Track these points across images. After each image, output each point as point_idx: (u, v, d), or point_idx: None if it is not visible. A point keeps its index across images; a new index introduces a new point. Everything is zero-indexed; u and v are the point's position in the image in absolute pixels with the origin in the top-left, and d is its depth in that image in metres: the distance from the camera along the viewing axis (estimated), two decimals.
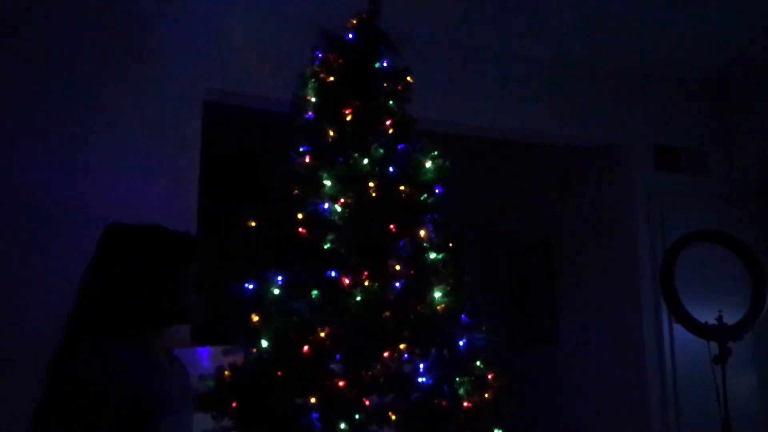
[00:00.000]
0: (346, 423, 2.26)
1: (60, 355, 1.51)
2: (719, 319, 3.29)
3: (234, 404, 2.33)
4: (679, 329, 3.73)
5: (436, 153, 2.56)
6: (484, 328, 2.46)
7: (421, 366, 2.31)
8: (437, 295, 2.42)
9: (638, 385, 3.78)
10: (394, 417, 2.27)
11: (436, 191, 2.56)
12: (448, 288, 2.45)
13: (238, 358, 2.44)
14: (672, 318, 3.67)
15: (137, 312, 1.57)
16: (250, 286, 2.47)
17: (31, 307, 2.79)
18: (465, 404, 2.31)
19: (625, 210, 3.94)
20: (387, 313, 2.35)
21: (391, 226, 2.42)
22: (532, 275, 4.49)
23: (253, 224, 2.53)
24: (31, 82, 2.96)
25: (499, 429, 2.43)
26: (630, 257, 3.88)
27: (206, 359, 2.88)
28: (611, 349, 3.95)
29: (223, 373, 2.38)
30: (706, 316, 3.32)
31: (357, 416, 2.27)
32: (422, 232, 2.45)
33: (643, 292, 3.81)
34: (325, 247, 2.45)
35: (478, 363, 2.44)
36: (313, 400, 2.26)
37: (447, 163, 2.55)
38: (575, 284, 4.21)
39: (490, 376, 2.45)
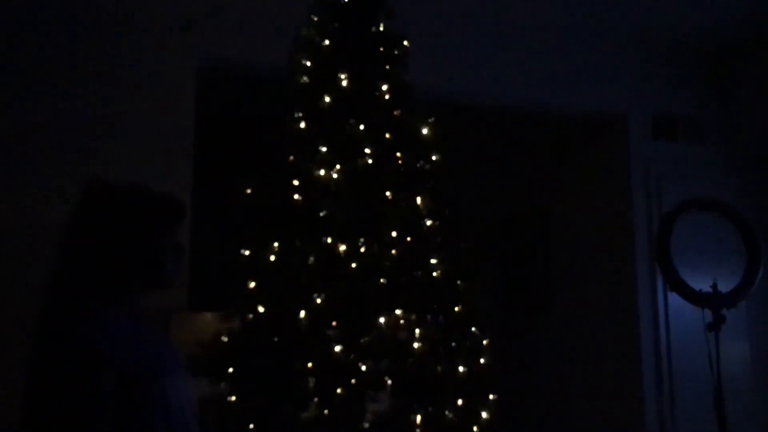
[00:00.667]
0: (342, 388, 2.28)
1: (55, 320, 1.50)
2: (714, 286, 3.31)
3: (231, 369, 2.35)
4: (673, 297, 3.75)
5: (432, 119, 2.54)
6: (479, 294, 2.47)
7: (417, 331, 2.32)
8: (433, 261, 2.42)
9: (632, 352, 3.81)
10: (389, 382, 2.29)
11: (433, 158, 2.55)
12: (444, 254, 2.45)
13: (235, 324, 2.45)
14: (667, 286, 3.68)
15: (119, 275, 1.55)
16: (246, 252, 2.47)
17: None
18: (460, 369, 2.33)
19: (621, 178, 3.93)
20: (383, 280, 2.35)
21: (387, 193, 2.42)
22: (527, 243, 4.50)
23: (249, 191, 2.52)
24: (21, 51, 2.93)
25: (493, 394, 2.45)
26: (626, 225, 3.89)
27: (203, 325, 2.89)
28: (606, 316, 3.98)
29: (220, 338, 2.39)
30: (701, 283, 3.34)
31: (353, 381, 2.28)
32: (418, 199, 2.44)
33: (639, 260, 3.82)
34: (321, 213, 2.45)
35: (473, 328, 2.46)
36: (309, 365, 2.28)
37: (444, 129, 2.53)
38: (570, 252, 4.22)
39: (485, 342, 2.47)
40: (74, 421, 1.39)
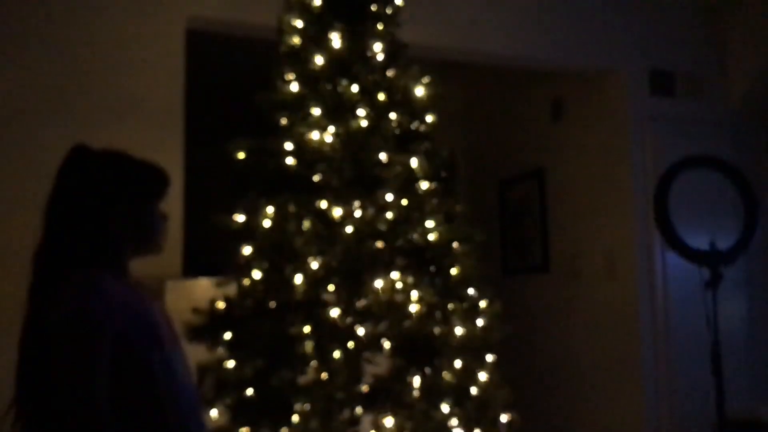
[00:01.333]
0: (340, 351, 2.27)
1: (47, 286, 1.48)
2: (712, 244, 3.30)
3: (227, 335, 2.34)
4: (671, 255, 3.75)
5: (427, 79, 2.49)
6: (476, 256, 2.46)
7: (414, 294, 2.31)
8: (430, 224, 2.40)
9: (629, 311, 3.82)
10: (387, 344, 2.29)
11: (428, 119, 2.51)
12: (441, 217, 2.43)
13: (231, 290, 2.43)
14: (665, 244, 3.67)
15: (112, 244, 1.54)
16: (241, 218, 2.44)
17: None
18: (457, 331, 2.33)
19: (619, 135, 3.89)
20: (379, 243, 2.33)
21: (382, 155, 2.38)
22: (524, 203, 4.48)
23: (241, 156, 2.49)
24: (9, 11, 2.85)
25: (491, 355, 2.46)
26: (623, 183, 3.86)
27: (199, 291, 2.87)
28: (603, 275, 3.97)
29: (216, 304, 2.38)
30: (699, 241, 3.33)
31: (350, 344, 2.28)
32: (414, 161, 2.41)
33: (636, 219, 3.80)
34: (315, 178, 2.42)
35: (470, 290, 2.45)
36: (306, 329, 2.27)
37: (438, 89, 2.49)
38: (568, 211, 4.20)
39: (482, 304, 2.47)
40: (70, 385, 1.38)
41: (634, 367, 3.77)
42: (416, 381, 2.22)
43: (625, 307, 3.84)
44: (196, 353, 2.25)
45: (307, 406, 2.27)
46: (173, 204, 2.88)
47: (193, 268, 2.96)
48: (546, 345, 4.29)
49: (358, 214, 2.33)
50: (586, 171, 4.10)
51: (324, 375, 2.31)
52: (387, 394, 2.19)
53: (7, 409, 1.47)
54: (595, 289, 4.03)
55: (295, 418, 2.23)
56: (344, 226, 2.32)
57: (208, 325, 2.37)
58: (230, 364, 2.34)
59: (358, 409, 2.20)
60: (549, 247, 4.30)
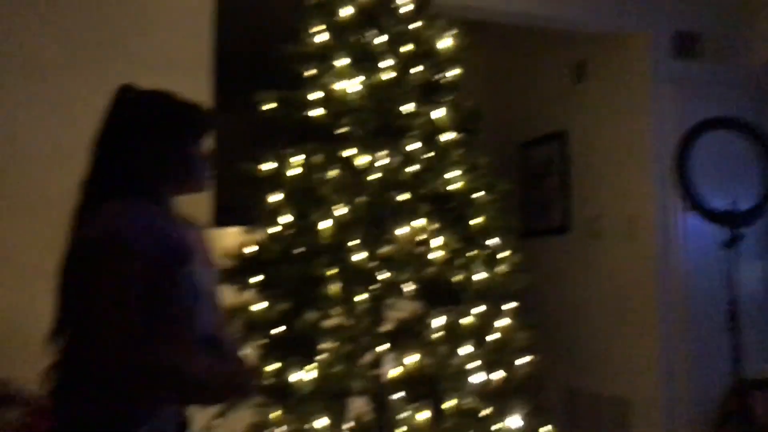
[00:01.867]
0: (364, 293, 2.35)
1: (89, 214, 1.56)
2: (732, 204, 3.33)
3: (257, 278, 2.43)
4: (690, 217, 3.78)
5: (452, 32, 2.53)
6: (498, 207, 2.52)
7: (436, 241, 2.38)
8: (453, 173, 2.46)
9: (648, 271, 3.86)
10: (408, 289, 2.36)
11: (452, 71, 2.56)
12: (464, 167, 2.49)
13: (260, 236, 2.52)
14: (685, 205, 3.70)
15: (152, 177, 1.60)
16: (269, 167, 2.52)
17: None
18: (478, 278, 2.39)
19: (641, 97, 3.90)
20: (403, 191, 2.40)
21: (408, 106, 2.44)
22: (546, 165, 4.51)
23: (269, 107, 2.56)
24: None
25: (511, 303, 2.53)
26: (645, 145, 3.88)
27: (229, 240, 2.97)
28: (623, 237, 4.01)
29: (246, 249, 2.47)
30: (719, 202, 3.37)
31: (374, 288, 2.36)
32: (438, 112, 2.46)
33: (657, 180, 3.83)
34: (342, 128, 2.48)
35: (491, 240, 2.51)
36: (330, 273, 2.35)
37: (464, 42, 2.53)
38: (589, 173, 4.23)
39: (504, 253, 2.53)
40: (104, 307, 1.45)
41: (652, 327, 3.82)
42: (437, 323, 2.29)
43: (643, 267, 3.88)
44: (226, 296, 2.34)
45: (332, 346, 2.36)
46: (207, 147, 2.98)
47: (223, 218, 3.05)
48: (564, 305, 4.36)
49: (382, 162, 2.39)
50: (607, 133, 4.12)
51: (348, 318, 2.40)
52: (409, 335, 2.27)
53: (50, 332, 1.55)
54: (614, 250, 4.07)
55: (321, 356, 2.32)
56: (369, 174, 2.39)
57: (238, 269, 2.46)
58: (259, 306, 2.43)
59: (381, 348, 2.28)
60: (570, 208, 4.34)
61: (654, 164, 3.85)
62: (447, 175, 2.44)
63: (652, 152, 3.86)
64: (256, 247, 2.46)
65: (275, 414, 2.31)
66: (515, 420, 2.34)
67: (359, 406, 2.35)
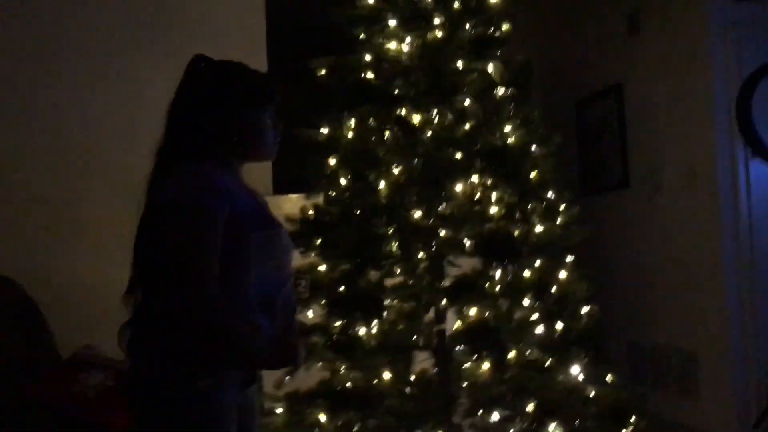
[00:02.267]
0: (423, 251, 2.40)
1: (163, 179, 1.64)
2: None
3: (318, 240, 2.50)
4: (755, 166, 3.68)
5: None
6: (552, 159, 2.52)
7: (494, 195, 2.40)
8: (507, 128, 2.47)
9: (711, 224, 3.78)
10: (468, 244, 2.39)
11: (503, 26, 2.55)
12: (518, 121, 2.49)
13: (319, 200, 2.59)
14: (748, 152, 3.60)
15: (223, 144, 1.66)
16: (325, 131, 2.57)
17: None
18: (536, 229, 2.41)
19: (700, 44, 3.79)
20: (458, 148, 2.42)
21: (459, 63, 2.45)
22: (602, 120, 4.44)
23: (322, 72, 2.60)
24: None
25: (570, 256, 2.54)
26: (705, 92, 3.77)
27: (289, 206, 3.05)
28: (683, 190, 3.94)
29: (307, 212, 2.54)
30: None
31: (433, 245, 2.41)
32: (490, 67, 2.46)
33: (718, 129, 3.72)
34: (394, 89, 2.51)
35: (549, 193, 2.51)
36: (390, 231, 2.40)
37: None
38: (647, 126, 4.15)
39: (560, 207, 2.54)
40: (184, 269, 1.53)
41: (718, 279, 3.75)
42: (497, 276, 2.32)
43: (707, 219, 3.80)
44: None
45: (395, 302, 2.43)
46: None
47: (283, 185, 3.13)
48: (626, 260, 4.31)
49: (437, 120, 2.42)
50: (664, 84, 4.02)
51: (408, 276, 2.45)
52: (470, 289, 2.31)
53: (126, 291, 1.65)
54: (675, 204, 4.00)
55: (385, 314, 2.39)
56: (424, 133, 2.42)
57: (299, 233, 2.53)
58: (322, 267, 2.51)
59: (443, 303, 2.33)
60: (628, 163, 4.27)
61: (714, 113, 3.74)
62: (501, 130, 2.45)
63: (712, 100, 3.75)
64: (315, 211, 2.53)
65: (342, 369, 2.39)
66: (577, 370, 2.37)
67: (423, 359, 2.42)
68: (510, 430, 2.32)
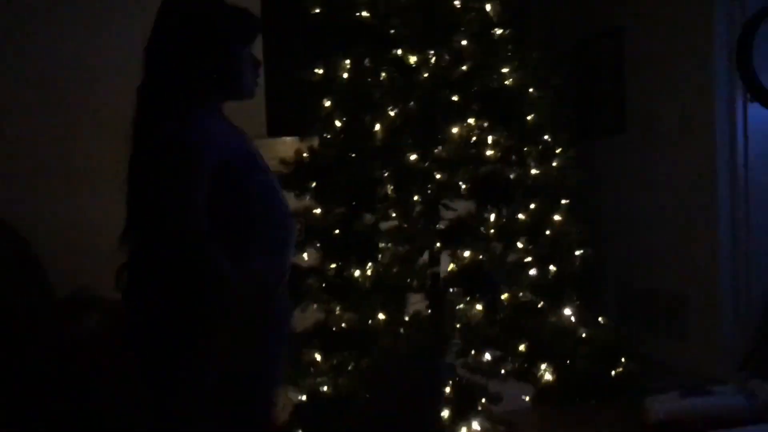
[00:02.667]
0: (418, 194, 2.40)
1: (148, 122, 1.62)
2: None
3: (313, 183, 2.49)
4: (754, 111, 3.65)
5: None
6: (550, 101, 2.49)
7: (490, 138, 2.38)
8: (505, 70, 2.43)
9: (708, 166, 3.77)
10: (464, 187, 2.39)
11: None
12: (516, 63, 2.45)
13: (315, 143, 2.56)
14: (747, 95, 3.57)
15: (202, 82, 1.62)
16: (320, 72, 2.53)
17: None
18: (532, 172, 2.40)
19: None
20: (455, 89, 2.39)
21: (456, 2, 2.39)
22: (600, 64, 4.39)
23: (316, 11, 2.54)
24: None
25: (565, 199, 2.53)
26: (705, 36, 3.71)
27: (283, 149, 3.03)
28: (680, 135, 3.91)
29: (302, 155, 2.52)
30: None
31: (428, 188, 2.40)
32: (488, 6, 2.41)
33: (718, 72, 3.68)
34: (390, 28, 2.46)
35: (545, 136, 2.50)
36: (385, 174, 2.39)
37: None
38: (646, 70, 4.10)
39: (557, 151, 2.52)
40: (173, 209, 1.53)
41: (711, 226, 3.77)
42: (492, 219, 2.33)
43: (703, 163, 3.79)
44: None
45: (390, 245, 2.44)
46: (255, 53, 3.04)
47: (277, 127, 3.10)
48: (620, 204, 4.33)
49: (433, 61, 2.38)
50: (665, 27, 3.95)
51: (403, 221, 2.46)
52: (464, 232, 2.31)
53: (121, 235, 1.65)
54: (671, 150, 3.99)
55: (379, 257, 2.40)
56: (420, 74, 2.38)
57: (294, 176, 2.52)
58: (317, 210, 2.51)
59: (437, 245, 2.34)
60: (625, 107, 4.24)
61: (714, 56, 3.69)
62: (499, 71, 2.41)
63: (712, 44, 3.70)
64: (310, 153, 2.51)
65: (337, 310, 2.42)
66: (569, 312, 2.39)
67: (416, 301, 2.44)
68: (502, 370, 2.36)
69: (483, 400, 2.30)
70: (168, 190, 1.53)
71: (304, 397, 2.40)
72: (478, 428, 2.30)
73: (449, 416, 2.27)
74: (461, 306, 2.30)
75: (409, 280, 2.43)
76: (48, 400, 2.22)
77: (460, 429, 2.30)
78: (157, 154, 1.54)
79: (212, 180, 1.56)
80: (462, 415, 2.29)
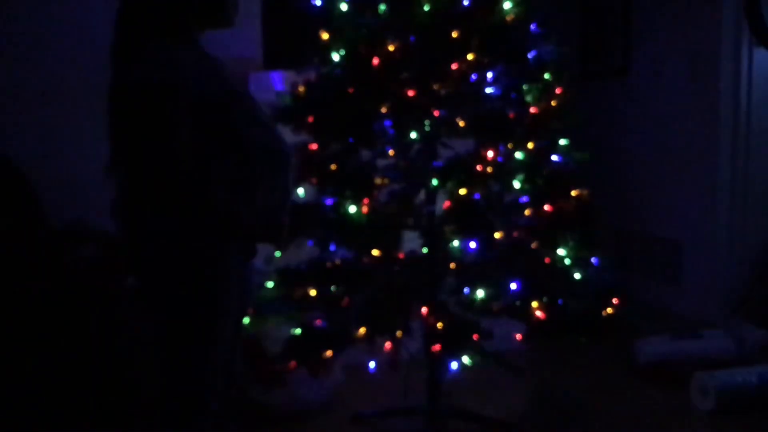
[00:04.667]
0: (416, 131, 2.37)
1: (129, 59, 1.59)
2: None
3: (311, 118, 2.46)
4: (760, 55, 3.60)
5: None
6: (552, 38, 2.44)
7: (489, 75, 2.35)
8: (507, 5, 2.37)
9: (711, 111, 3.73)
10: (462, 124, 2.36)
11: None
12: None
13: (312, 76, 2.52)
14: (754, 40, 3.51)
15: (178, 11, 1.61)
16: (318, 3, 2.47)
17: None
18: (531, 110, 2.37)
19: None
20: (455, 25, 2.34)
21: None
22: (606, 2, 4.30)
23: None
24: None
25: (564, 139, 2.51)
26: None
27: (280, 83, 2.99)
28: (684, 78, 3.86)
29: (298, 89, 2.48)
30: None
31: (426, 124, 2.37)
32: None
33: (726, 15, 3.61)
34: None
35: (546, 75, 2.46)
36: (384, 109, 2.36)
37: None
38: (651, 9, 4.02)
39: (557, 90, 2.48)
40: (156, 148, 1.53)
41: (710, 173, 3.76)
42: (489, 156, 2.31)
43: (707, 108, 3.76)
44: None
45: (386, 182, 2.43)
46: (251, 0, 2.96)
47: (274, 60, 3.06)
48: (622, 148, 4.30)
49: None
50: None
51: (401, 158, 2.44)
52: (462, 170, 2.30)
53: (108, 169, 1.64)
54: (675, 93, 3.94)
55: (375, 194, 2.39)
56: (420, 8, 2.33)
57: (291, 109, 2.48)
58: (314, 145, 2.48)
59: (434, 183, 2.33)
60: (630, 48, 4.17)
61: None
62: (500, 8, 2.36)
63: None
64: (307, 87, 2.47)
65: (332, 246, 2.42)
66: (563, 252, 2.40)
67: (412, 238, 2.45)
68: (494, 307, 2.38)
69: (475, 336, 2.32)
70: (152, 130, 1.53)
71: (297, 331, 2.43)
72: (469, 362, 2.34)
73: (441, 350, 2.30)
74: (456, 243, 2.30)
75: (404, 218, 2.43)
76: (47, 327, 2.25)
77: (451, 362, 2.35)
78: (140, 93, 1.53)
79: (192, 117, 1.54)
80: (454, 349, 2.32)
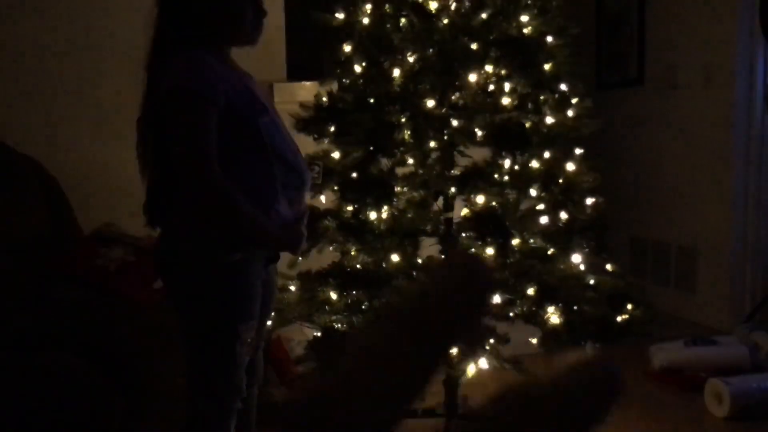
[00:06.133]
0: (435, 140, 2.44)
1: (159, 69, 1.68)
2: None
3: (332, 126, 2.54)
4: None
5: None
6: (568, 50, 2.50)
7: (507, 86, 2.41)
8: (524, 17, 2.44)
9: (725, 122, 3.77)
10: (480, 134, 2.43)
11: None
12: (535, 11, 2.46)
13: (333, 87, 2.60)
14: None
15: (206, 27, 1.70)
16: (340, 16, 2.55)
17: None
18: (548, 120, 2.43)
19: None
20: (473, 36, 2.40)
21: None
22: (621, 13, 4.35)
23: None
24: None
25: (579, 148, 2.57)
26: None
27: (303, 92, 3.07)
28: (699, 88, 3.90)
29: (321, 99, 2.56)
30: None
31: (444, 133, 2.44)
32: None
33: (742, 22, 3.65)
34: None
35: (562, 85, 2.52)
36: (402, 119, 2.44)
37: None
38: (667, 20, 4.07)
39: (572, 99, 2.54)
40: (187, 155, 1.61)
41: (725, 181, 3.79)
42: (506, 165, 2.37)
43: (721, 117, 3.80)
44: (304, 145, 2.48)
45: (405, 190, 2.49)
46: (275, 14, 3.03)
47: (297, 72, 3.14)
48: (637, 157, 4.35)
49: (453, 7, 2.39)
50: None
51: (419, 166, 2.51)
52: (479, 178, 2.36)
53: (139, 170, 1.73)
54: (690, 101, 3.98)
55: (395, 202, 2.46)
56: (440, 21, 2.40)
57: (313, 118, 2.57)
58: (335, 154, 2.56)
59: (452, 191, 2.39)
60: (645, 58, 4.22)
61: (737, 9, 3.66)
62: (518, 19, 2.42)
63: None
64: (329, 97, 2.55)
65: (353, 251, 2.49)
66: (578, 259, 2.45)
67: (430, 244, 2.51)
68: (510, 313, 2.44)
69: (491, 341, 2.38)
70: (181, 137, 1.62)
71: (319, 333, 2.50)
72: (486, 366, 2.40)
73: (459, 353, 2.36)
74: (473, 250, 2.36)
75: (423, 225, 2.50)
76: (77, 328, 2.33)
77: (468, 367, 2.40)
78: (172, 103, 1.62)
79: (221, 126, 1.63)
80: (471, 353, 2.38)
